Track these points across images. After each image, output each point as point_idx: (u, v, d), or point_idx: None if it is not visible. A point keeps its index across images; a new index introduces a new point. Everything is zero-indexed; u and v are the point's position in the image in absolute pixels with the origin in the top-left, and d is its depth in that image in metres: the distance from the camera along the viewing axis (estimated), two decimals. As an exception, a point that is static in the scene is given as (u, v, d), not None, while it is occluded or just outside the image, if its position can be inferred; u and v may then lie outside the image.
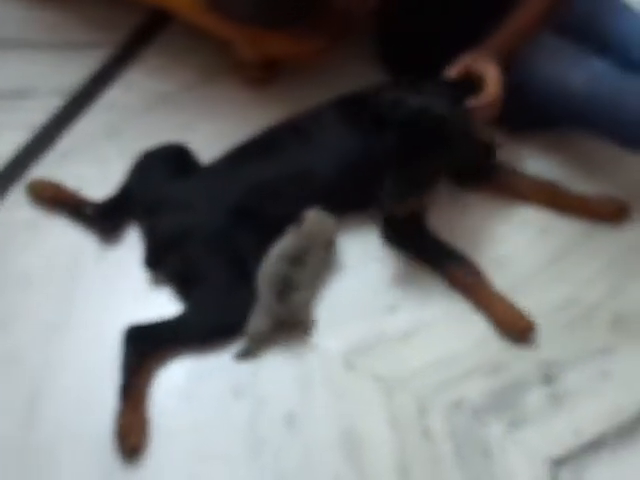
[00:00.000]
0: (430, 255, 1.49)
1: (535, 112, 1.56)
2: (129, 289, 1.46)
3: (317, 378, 1.37)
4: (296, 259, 1.41)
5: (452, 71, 1.43)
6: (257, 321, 1.38)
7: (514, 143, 1.65)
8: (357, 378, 1.37)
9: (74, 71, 1.78)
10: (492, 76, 1.41)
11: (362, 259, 1.51)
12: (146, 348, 1.37)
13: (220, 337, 1.41)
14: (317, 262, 1.44)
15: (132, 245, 1.50)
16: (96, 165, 1.62)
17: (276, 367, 1.38)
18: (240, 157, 1.52)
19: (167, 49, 1.82)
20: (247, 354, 1.38)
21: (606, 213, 1.56)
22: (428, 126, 1.33)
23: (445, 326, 1.44)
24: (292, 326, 1.41)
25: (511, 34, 1.48)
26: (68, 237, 1.52)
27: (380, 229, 1.54)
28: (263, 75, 1.71)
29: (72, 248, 1.51)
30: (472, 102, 1.40)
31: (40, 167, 1.63)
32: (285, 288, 1.38)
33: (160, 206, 1.47)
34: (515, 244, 1.55)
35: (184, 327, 1.40)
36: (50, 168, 1.61)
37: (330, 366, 1.38)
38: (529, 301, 1.43)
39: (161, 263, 1.45)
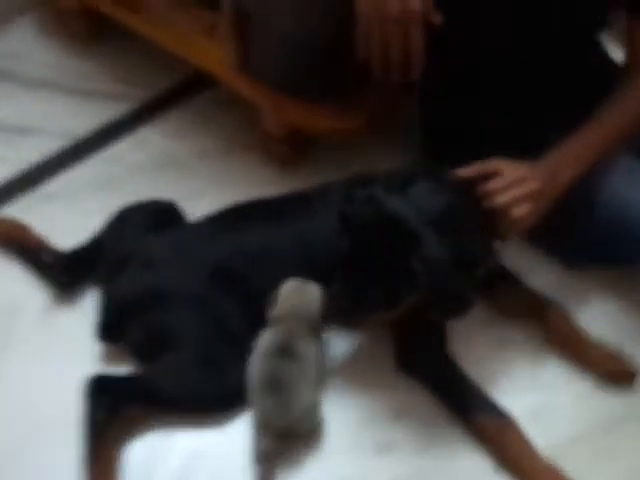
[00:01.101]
0: (451, 393, 1.18)
1: (604, 245, 1.25)
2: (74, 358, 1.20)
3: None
4: (283, 350, 1.13)
5: (467, 170, 1.16)
6: (257, 442, 1.10)
7: (567, 278, 1.34)
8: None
9: (88, 119, 1.61)
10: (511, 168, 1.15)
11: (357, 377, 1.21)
12: (117, 401, 1.11)
13: (207, 409, 1.16)
14: (310, 349, 1.15)
15: (85, 311, 1.26)
16: (78, 215, 1.41)
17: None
18: (230, 217, 1.29)
19: (190, 115, 1.64)
20: None
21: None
22: (393, 243, 1.08)
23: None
24: (298, 438, 1.12)
25: (592, 143, 1.20)
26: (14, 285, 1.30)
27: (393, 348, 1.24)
28: (289, 152, 1.50)
29: (14, 298, 1.28)
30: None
31: (17, 206, 1.44)
32: (278, 392, 1.10)
33: (127, 263, 1.22)
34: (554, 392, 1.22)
35: (159, 388, 1.14)
36: (29, 209, 1.43)
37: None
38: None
39: (119, 332, 1.19)
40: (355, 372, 1.23)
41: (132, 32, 1.59)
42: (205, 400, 1.15)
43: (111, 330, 1.20)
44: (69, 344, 1.24)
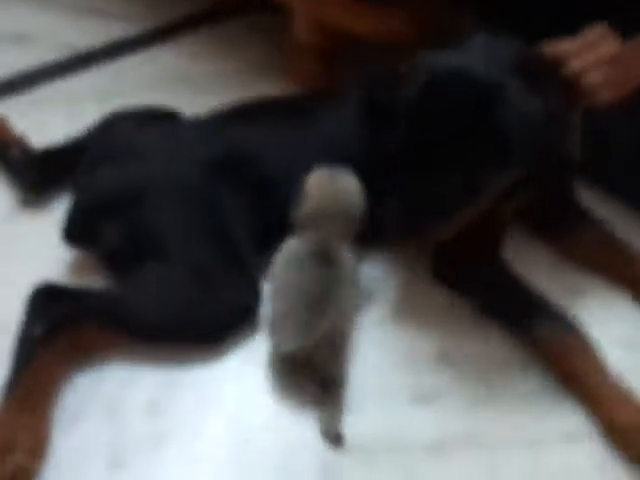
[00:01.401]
0: (506, 306, 0.91)
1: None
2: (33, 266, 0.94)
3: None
4: (321, 257, 0.87)
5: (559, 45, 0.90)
6: (288, 339, 0.84)
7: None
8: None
9: (94, 35, 1.39)
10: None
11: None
12: (61, 317, 0.84)
13: (186, 336, 0.88)
14: (349, 258, 0.89)
15: (55, 217, 0.99)
16: (68, 123, 1.15)
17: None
18: (234, 114, 1.05)
19: (210, 39, 1.42)
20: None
21: None
22: (465, 101, 0.82)
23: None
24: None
25: None
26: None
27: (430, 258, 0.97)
28: (318, 70, 1.25)
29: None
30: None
31: (4, 105, 1.22)
32: (318, 306, 0.84)
33: (106, 158, 0.97)
34: None
35: (128, 305, 0.87)
36: (16, 110, 1.19)
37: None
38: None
39: (91, 236, 0.93)
40: (390, 304, 0.95)
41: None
42: (194, 327, 0.88)
43: (81, 233, 0.94)
44: (31, 251, 0.99)
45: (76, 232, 0.94)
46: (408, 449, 0.82)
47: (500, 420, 0.86)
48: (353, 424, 0.83)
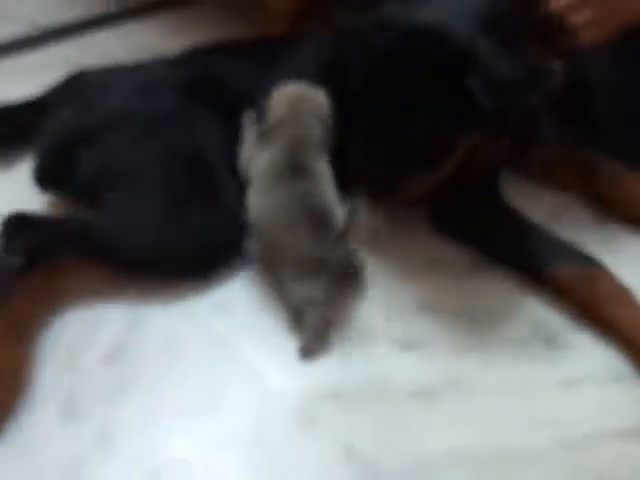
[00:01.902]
0: (515, 246, 0.87)
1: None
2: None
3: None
4: (296, 169, 0.82)
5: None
6: (298, 290, 0.78)
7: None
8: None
9: (65, 12, 1.36)
10: None
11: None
12: (37, 246, 0.78)
13: (161, 270, 0.83)
14: (325, 168, 0.84)
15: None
16: (35, 89, 1.09)
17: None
18: (200, 49, 1.03)
19: (180, 17, 1.39)
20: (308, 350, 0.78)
21: None
22: (433, 63, 0.78)
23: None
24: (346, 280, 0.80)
25: None
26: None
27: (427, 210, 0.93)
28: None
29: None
30: None
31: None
32: (312, 218, 0.78)
33: (72, 101, 0.93)
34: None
35: (103, 235, 0.82)
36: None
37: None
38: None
39: (62, 172, 0.87)
40: (378, 250, 0.90)
41: None
42: (171, 257, 0.82)
43: (53, 172, 0.88)
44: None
45: (46, 171, 0.89)
46: (393, 395, 0.76)
47: (488, 366, 0.80)
48: (337, 370, 0.77)
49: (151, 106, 0.89)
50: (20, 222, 0.80)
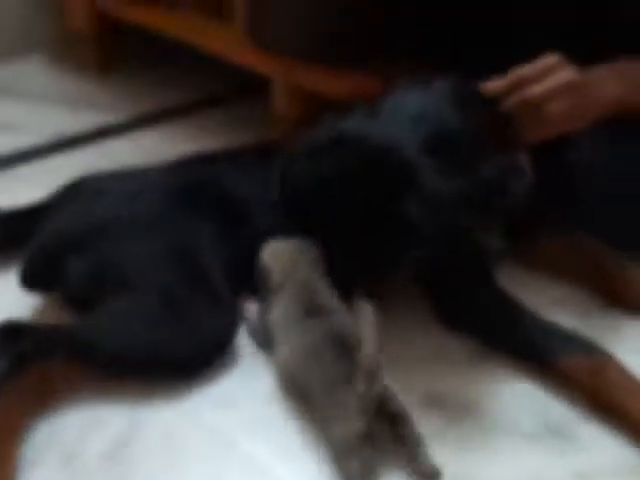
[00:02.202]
0: (521, 339, 0.86)
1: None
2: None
3: None
4: (313, 309, 0.83)
5: (496, 83, 0.88)
6: (338, 428, 0.74)
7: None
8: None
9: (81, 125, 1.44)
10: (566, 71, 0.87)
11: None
12: (27, 352, 0.78)
13: (157, 370, 0.83)
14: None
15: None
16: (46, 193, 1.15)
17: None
18: (197, 156, 1.06)
19: (190, 125, 1.46)
20: None
21: None
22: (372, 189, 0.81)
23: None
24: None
25: None
26: None
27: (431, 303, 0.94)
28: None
29: None
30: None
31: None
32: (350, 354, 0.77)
33: (67, 206, 0.96)
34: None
35: (95, 338, 0.81)
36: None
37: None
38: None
39: (52, 275, 0.89)
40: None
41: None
42: (165, 357, 0.82)
43: (41, 274, 0.90)
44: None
45: (34, 274, 0.90)
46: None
47: (496, 461, 0.77)
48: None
49: (143, 210, 0.91)
50: (10, 330, 0.81)
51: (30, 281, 0.90)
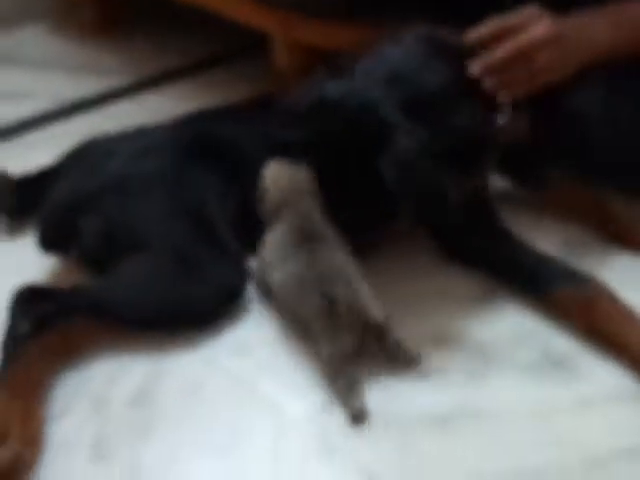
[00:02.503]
0: (518, 269, 0.91)
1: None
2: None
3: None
4: (312, 237, 0.87)
5: (484, 27, 0.90)
6: (331, 345, 0.80)
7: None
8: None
9: (85, 90, 1.46)
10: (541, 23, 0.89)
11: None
12: (48, 314, 0.82)
13: (174, 322, 0.87)
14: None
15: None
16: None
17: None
18: (201, 113, 1.09)
19: (193, 86, 1.48)
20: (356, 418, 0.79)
21: None
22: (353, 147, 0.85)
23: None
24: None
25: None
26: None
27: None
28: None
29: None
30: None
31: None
32: (337, 281, 0.83)
33: (78, 167, 0.99)
34: None
35: (113, 296, 0.86)
36: (6, 155, 1.24)
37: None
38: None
39: (67, 236, 0.92)
40: (390, 284, 0.91)
41: None
42: (182, 309, 0.86)
43: (57, 235, 0.93)
44: (11, 267, 0.98)
45: (50, 237, 0.94)
46: (411, 423, 0.78)
47: (501, 391, 0.82)
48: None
49: (151, 167, 0.94)
50: (30, 294, 0.85)
51: (47, 242, 0.94)
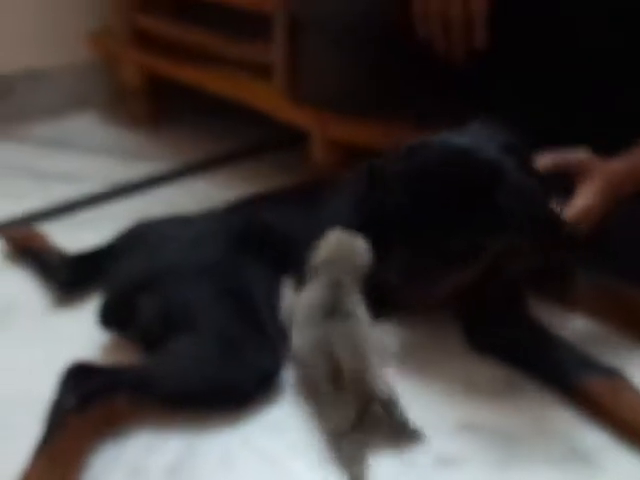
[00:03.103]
0: (542, 361, 0.95)
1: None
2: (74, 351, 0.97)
3: None
4: (336, 310, 0.92)
5: (547, 159, 1.00)
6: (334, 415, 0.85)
7: None
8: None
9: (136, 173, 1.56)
10: (589, 190, 0.98)
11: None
12: (92, 392, 0.86)
13: (213, 401, 0.91)
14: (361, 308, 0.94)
15: (89, 314, 1.04)
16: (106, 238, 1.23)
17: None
18: (249, 200, 1.17)
19: (240, 172, 1.58)
20: None
21: None
22: (463, 184, 0.90)
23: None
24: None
25: None
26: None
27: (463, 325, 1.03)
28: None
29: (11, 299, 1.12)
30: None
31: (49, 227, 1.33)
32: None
33: (135, 250, 1.06)
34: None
35: (157, 375, 0.90)
36: (58, 231, 1.30)
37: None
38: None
39: (124, 316, 0.98)
40: (415, 368, 0.98)
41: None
42: (220, 392, 0.90)
43: (115, 315, 1.00)
44: (69, 340, 1.03)
45: (110, 314, 1.00)
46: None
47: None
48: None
49: (204, 255, 1.00)
50: (80, 370, 0.89)
51: (106, 320, 1.00)
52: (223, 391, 0.90)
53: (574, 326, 1.06)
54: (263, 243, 1.04)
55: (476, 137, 0.94)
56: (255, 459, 0.85)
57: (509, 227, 0.89)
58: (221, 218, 1.11)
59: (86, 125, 1.82)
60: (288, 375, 0.96)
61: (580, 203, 0.96)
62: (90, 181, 1.53)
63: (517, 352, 0.96)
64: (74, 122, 1.82)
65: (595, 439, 0.88)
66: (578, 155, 1.00)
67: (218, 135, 1.76)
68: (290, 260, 1.02)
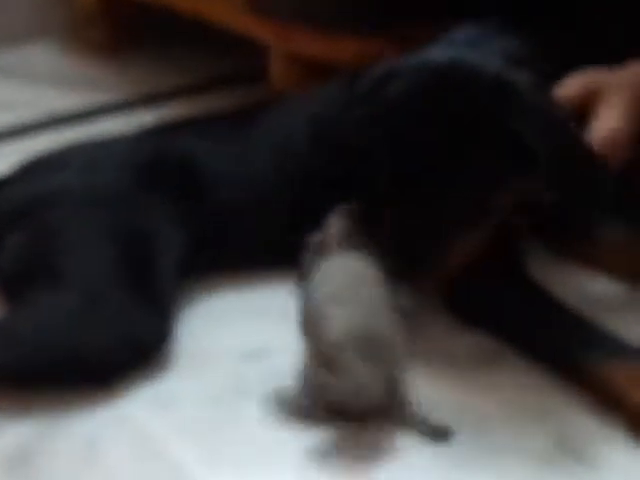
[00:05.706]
0: (545, 336, 0.71)
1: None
2: None
3: None
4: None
5: (569, 87, 0.74)
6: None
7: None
8: None
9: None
10: (611, 109, 0.72)
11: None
12: None
13: (66, 377, 0.69)
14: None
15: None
16: None
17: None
18: (166, 125, 0.96)
19: (191, 106, 1.37)
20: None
21: None
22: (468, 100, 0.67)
23: None
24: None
25: None
26: None
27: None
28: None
29: None
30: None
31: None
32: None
33: (22, 178, 0.85)
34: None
35: (12, 335, 0.71)
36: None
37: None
38: None
39: None
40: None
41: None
42: (85, 363, 0.69)
43: None
44: None
45: None
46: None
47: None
48: None
49: (97, 183, 0.80)
50: None
51: None
52: (79, 364, 0.68)
53: (593, 289, 0.83)
54: (178, 178, 0.82)
55: (475, 49, 0.72)
56: (128, 441, 0.65)
57: (529, 163, 0.66)
58: (132, 144, 0.89)
59: (39, 54, 1.63)
60: (180, 346, 0.75)
61: (604, 125, 0.71)
62: (30, 110, 1.34)
63: (508, 322, 0.74)
64: (27, 51, 1.63)
65: (591, 430, 0.67)
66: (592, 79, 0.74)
67: (183, 67, 1.55)
68: (202, 196, 0.81)
